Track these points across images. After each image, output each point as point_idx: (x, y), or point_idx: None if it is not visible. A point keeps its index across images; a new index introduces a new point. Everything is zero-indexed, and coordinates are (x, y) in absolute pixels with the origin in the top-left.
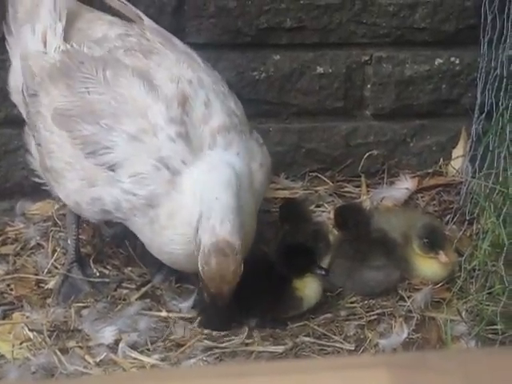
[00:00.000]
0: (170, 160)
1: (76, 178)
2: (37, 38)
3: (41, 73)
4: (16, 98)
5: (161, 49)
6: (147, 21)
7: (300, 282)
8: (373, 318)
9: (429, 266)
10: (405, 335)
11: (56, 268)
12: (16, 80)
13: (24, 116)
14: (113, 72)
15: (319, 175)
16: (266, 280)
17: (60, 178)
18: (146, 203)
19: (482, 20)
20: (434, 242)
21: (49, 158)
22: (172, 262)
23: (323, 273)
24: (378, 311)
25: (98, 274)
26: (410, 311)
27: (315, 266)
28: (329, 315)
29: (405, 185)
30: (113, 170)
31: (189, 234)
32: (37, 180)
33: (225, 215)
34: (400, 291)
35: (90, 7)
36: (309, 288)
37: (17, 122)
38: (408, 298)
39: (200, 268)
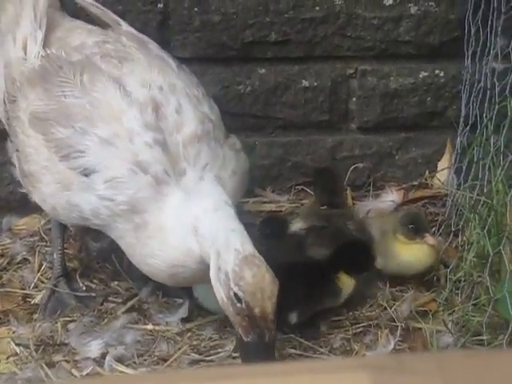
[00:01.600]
0: (150, 166)
1: (51, 182)
2: (18, 46)
3: (20, 78)
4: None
5: (134, 54)
6: (125, 26)
7: (344, 277)
8: (358, 330)
9: (413, 254)
10: (391, 346)
11: (42, 282)
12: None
13: (5, 125)
14: (90, 76)
15: (305, 188)
16: (307, 268)
17: (36, 182)
18: (128, 209)
19: (466, 33)
20: (418, 227)
21: (26, 162)
22: (152, 274)
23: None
24: (363, 324)
25: (84, 289)
26: (395, 321)
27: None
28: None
29: (390, 197)
30: (87, 176)
31: (177, 258)
32: (23, 190)
33: (243, 238)
34: (381, 301)
35: (72, 17)
36: (349, 282)
37: (1, 137)
38: (390, 307)
39: (236, 292)
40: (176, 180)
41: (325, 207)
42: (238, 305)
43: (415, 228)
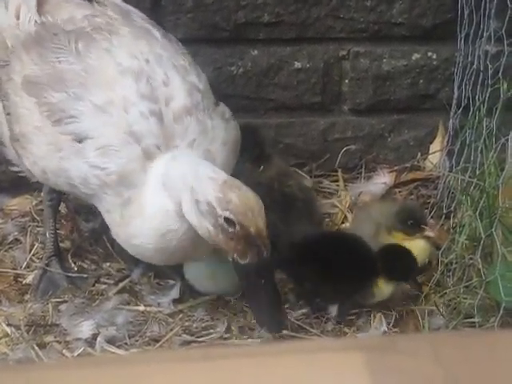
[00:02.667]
0: (143, 138)
1: (43, 143)
2: (10, 13)
3: (14, 42)
4: None
5: (120, 27)
6: None
7: (384, 282)
8: (351, 317)
9: (414, 247)
10: (383, 328)
11: (34, 262)
12: None
13: None
14: (85, 44)
15: (297, 170)
16: (354, 263)
17: (27, 142)
18: (118, 180)
19: (459, 15)
20: (418, 221)
21: (17, 123)
22: (139, 254)
23: (416, 290)
24: (355, 310)
25: (76, 269)
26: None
27: (413, 280)
28: (306, 310)
29: (382, 179)
30: (79, 142)
31: (159, 228)
32: (15, 169)
33: (212, 168)
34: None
35: None
36: (386, 289)
37: None
38: None
39: (227, 216)
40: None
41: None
42: (231, 229)
43: (415, 223)
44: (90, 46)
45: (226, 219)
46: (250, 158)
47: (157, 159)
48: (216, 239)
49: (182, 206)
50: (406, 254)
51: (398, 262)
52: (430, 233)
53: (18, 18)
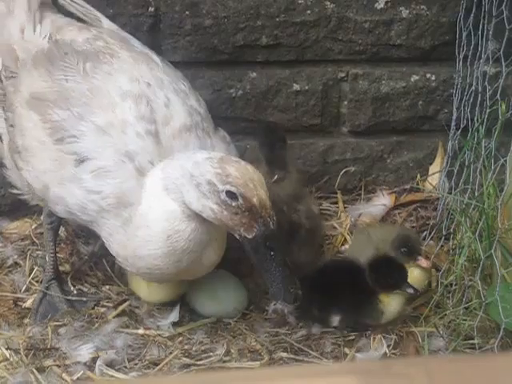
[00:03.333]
0: (137, 156)
1: (46, 158)
2: (16, 27)
3: (25, 55)
4: None
5: (119, 51)
6: (107, 24)
7: (386, 296)
8: (351, 338)
9: (409, 276)
10: (383, 350)
11: (33, 286)
12: None
13: None
14: (92, 65)
15: None
16: (354, 286)
17: (30, 156)
18: (116, 202)
19: (457, 36)
20: (411, 250)
21: (21, 136)
22: (149, 268)
23: (412, 292)
24: (355, 333)
25: (75, 292)
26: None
27: (405, 284)
28: (306, 332)
29: (382, 201)
30: (80, 162)
31: (165, 229)
32: (15, 192)
33: (207, 151)
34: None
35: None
36: (393, 304)
37: None
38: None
39: (229, 190)
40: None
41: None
42: (234, 203)
43: (408, 251)
44: (97, 67)
45: (228, 193)
46: (269, 156)
47: (152, 170)
48: (221, 217)
49: (185, 203)
50: (393, 262)
51: (386, 271)
52: (422, 263)
53: (22, 32)
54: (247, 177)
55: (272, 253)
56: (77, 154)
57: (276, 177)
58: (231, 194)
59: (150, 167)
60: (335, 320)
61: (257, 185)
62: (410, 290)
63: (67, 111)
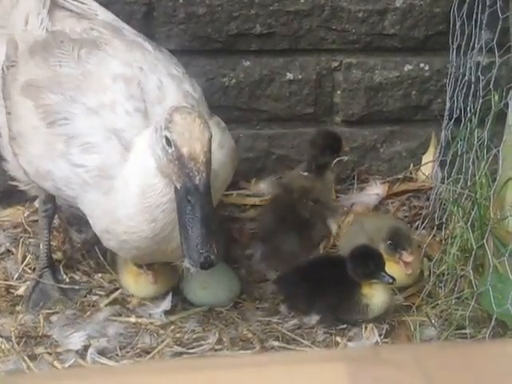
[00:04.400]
0: (123, 133)
1: (40, 142)
2: (21, 18)
3: (24, 45)
4: None
5: (114, 40)
6: (102, 15)
7: (369, 289)
8: (343, 326)
9: (394, 271)
10: (375, 339)
11: (26, 273)
12: None
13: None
14: (87, 50)
15: None
16: (337, 281)
17: (25, 142)
18: (99, 174)
19: (451, 26)
20: (397, 244)
21: (16, 122)
22: (127, 233)
23: (390, 281)
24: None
25: (67, 280)
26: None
27: (381, 274)
28: (298, 321)
29: (375, 190)
30: (67, 141)
31: (138, 185)
32: (12, 183)
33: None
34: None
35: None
36: (377, 297)
37: None
38: None
39: (165, 135)
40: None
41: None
42: (170, 150)
43: (394, 244)
44: (91, 53)
45: (165, 138)
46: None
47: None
48: (162, 164)
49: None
50: (370, 251)
51: (363, 259)
52: (406, 256)
53: (26, 23)
54: (187, 127)
55: (190, 208)
56: (67, 136)
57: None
58: (167, 141)
59: (135, 139)
60: (314, 319)
61: (194, 137)
62: (386, 280)
63: (60, 95)
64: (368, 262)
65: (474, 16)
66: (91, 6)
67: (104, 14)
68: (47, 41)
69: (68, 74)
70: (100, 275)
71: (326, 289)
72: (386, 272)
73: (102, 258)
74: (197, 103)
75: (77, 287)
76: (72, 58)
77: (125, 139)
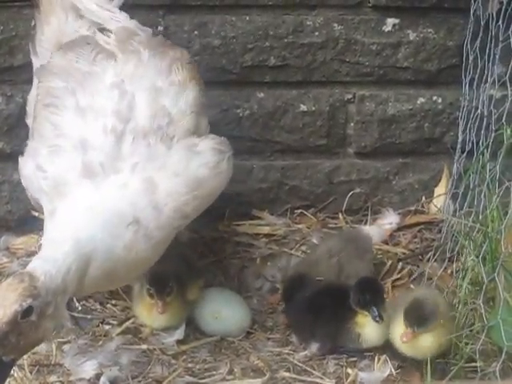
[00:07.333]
0: (91, 150)
1: (37, 120)
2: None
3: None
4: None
5: (117, 51)
6: (124, 19)
7: (363, 318)
8: (354, 359)
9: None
10: (388, 371)
11: None
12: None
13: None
14: (102, 57)
15: (304, 211)
16: (337, 309)
17: (29, 120)
18: (53, 185)
19: (464, 60)
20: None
21: (29, 103)
22: None
23: (376, 318)
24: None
25: (80, 308)
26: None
27: (372, 308)
28: (309, 352)
29: (389, 219)
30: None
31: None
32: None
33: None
34: None
35: None
36: (368, 327)
37: (0, 157)
38: None
39: None
40: (105, 177)
41: None
42: None
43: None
44: (105, 59)
45: None
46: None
47: (95, 180)
48: None
49: None
50: (374, 283)
51: (363, 289)
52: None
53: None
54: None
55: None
56: (53, 125)
57: None
58: None
59: (98, 171)
60: (314, 346)
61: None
62: (374, 315)
63: (64, 83)
64: (366, 292)
65: (487, 50)
66: (115, 12)
67: (126, 21)
68: (77, 39)
69: (79, 69)
70: (113, 302)
71: (326, 316)
72: (377, 309)
73: None
74: (169, 121)
75: (89, 317)
76: (87, 58)
77: (89, 160)
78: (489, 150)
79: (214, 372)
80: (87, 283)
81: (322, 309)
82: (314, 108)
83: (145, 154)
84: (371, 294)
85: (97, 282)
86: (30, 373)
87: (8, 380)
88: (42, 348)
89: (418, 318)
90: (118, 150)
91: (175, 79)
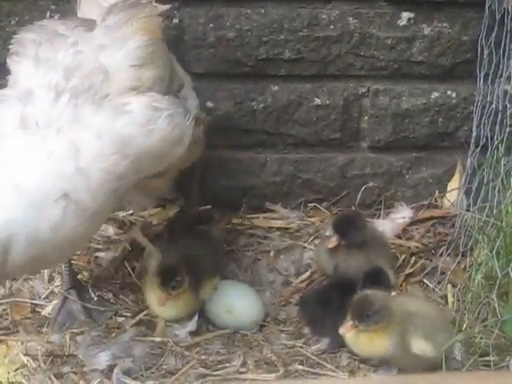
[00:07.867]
0: (31, 114)
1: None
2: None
3: None
4: None
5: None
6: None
7: None
8: None
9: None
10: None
11: (53, 293)
12: None
13: None
14: (81, 28)
15: (317, 205)
16: (344, 303)
17: None
18: None
19: (479, 54)
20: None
21: None
22: None
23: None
24: None
25: (95, 299)
26: None
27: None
28: (321, 345)
29: (402, 214)
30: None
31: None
32: None
33: None
34: None
35: None
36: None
37: None
38: None
39: None
40: (38, 138)
41: None
42: None
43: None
44: (82, 30)
45: None
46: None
47: (29, 138)
48: None
49: None
50: (382, 275)
51: (371, 279)
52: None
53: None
54: None
55: None
56: (12, 73)
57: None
58: None
59: (33, 127)
60: (324, 343)
61: None
62: None
63: (36, 37)
64: (370, 283)
65: (502, 45)
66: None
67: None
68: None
69: (55, 30)
70: (127, 294)
71: (335, 311)
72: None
73: (132, 273)
74: (104, 78)
75: (102, 309)
76: (68, 26)
77: (28, 114)
78: (503, 144)
79: (228, 364)
80: (10, 270)
81: (332, 304)
82: (328, 102)
83: (70, 116)
84: (376, 285)
85: (23, 267)
86: (44, 363)
87: (21, 370)
88: (55, 338)
89: (361, 313)
90: (52, 110)
91: (119, 34)
